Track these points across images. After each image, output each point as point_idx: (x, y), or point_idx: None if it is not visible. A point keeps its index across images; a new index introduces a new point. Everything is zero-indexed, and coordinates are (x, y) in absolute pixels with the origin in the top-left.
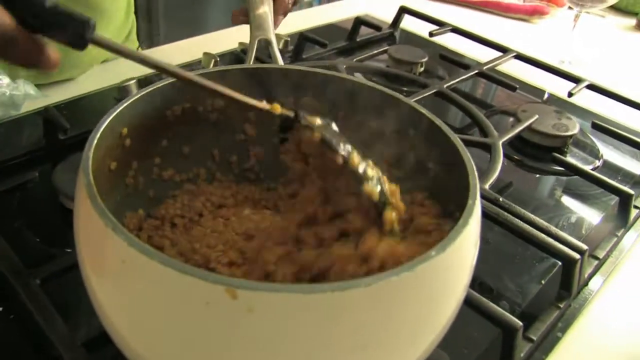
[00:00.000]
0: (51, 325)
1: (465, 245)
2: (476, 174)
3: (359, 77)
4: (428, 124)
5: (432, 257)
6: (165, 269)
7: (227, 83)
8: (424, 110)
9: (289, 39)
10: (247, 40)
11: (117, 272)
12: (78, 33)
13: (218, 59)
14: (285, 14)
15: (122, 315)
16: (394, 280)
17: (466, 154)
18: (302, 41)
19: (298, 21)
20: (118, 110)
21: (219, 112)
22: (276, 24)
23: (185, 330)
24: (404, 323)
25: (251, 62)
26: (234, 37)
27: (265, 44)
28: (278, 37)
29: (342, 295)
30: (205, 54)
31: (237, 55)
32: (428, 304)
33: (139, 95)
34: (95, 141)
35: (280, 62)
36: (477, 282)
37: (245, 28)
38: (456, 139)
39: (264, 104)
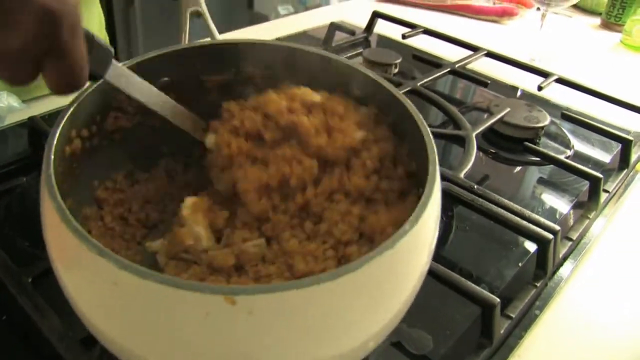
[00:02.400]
0: (47, 322)
1: (433, 213)
2: (432, 139)
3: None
4: (373, 84)
5: (406, 231)
6: (160, 287)
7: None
8: (361, 69)
9: None
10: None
11: (109, 295)
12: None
13: None
14: None
15: (121, 339)
16: (378, 260)
17: (417, 114)
18: None
19: (273, 31)
20: (67, 116)
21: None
22: None
23: (189, 342)
24: (388, 291)
25: (186, 36)
26: None
27: (198, 16)
28: None
29: (335, 283)
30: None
31: None
32: (407, 269)
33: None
34: (52, 156)
35: (216, 34)
36: (457, 268)
37: None
38: (403, 97)
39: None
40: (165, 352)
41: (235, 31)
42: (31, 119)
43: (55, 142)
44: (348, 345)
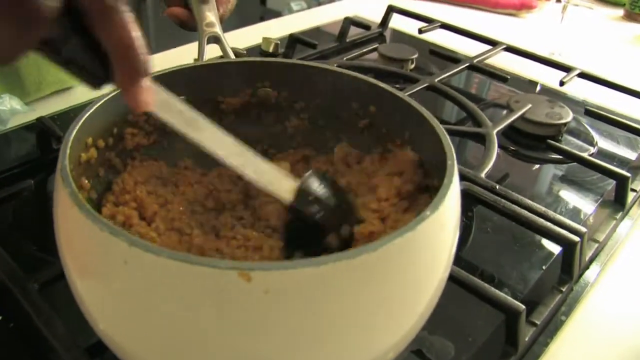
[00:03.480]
0: (52, 329)
1: (453, 203)
2: (447, 137)
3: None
4: (387, 96)
5: (428, 216)
6: (173, 263)
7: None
8: (377, 82)
9: (278, 42)
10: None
11: (119, 275)
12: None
13: (279, 42)
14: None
15: (129, 322)
16: (398, 242)
17: (433, 119)
18: (292, 43)
19: (288, 25)
20: (84, 118)
21: None
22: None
23: (203, 324)
24: (410, 281)
25: (204, 59)
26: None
27: (215, 41)
28: (267, 40)
29: (350, 263)
30: (264, 38)
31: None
32: (428, 262)
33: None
34: (69, 150)
35: (232, 55)
36: (478, 271)
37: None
38: (420, 107)
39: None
40: (175, 335)
41: (248, 27)
42: (40, 119)
43: (73, 135)
44: (369, 341)
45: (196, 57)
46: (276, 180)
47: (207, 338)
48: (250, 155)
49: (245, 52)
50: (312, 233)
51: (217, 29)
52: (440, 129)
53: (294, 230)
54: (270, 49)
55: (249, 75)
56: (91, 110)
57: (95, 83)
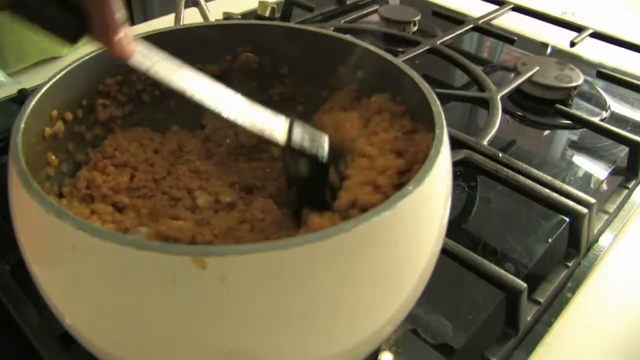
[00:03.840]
0: (23, 314)
1: (441, 176)
2: (436, 98)
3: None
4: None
5: (410, 191)
6: (120, 248)
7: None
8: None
9: (275, 6)
10: None
11: (69, 261)
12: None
13: (275, 6)
14: None
15: (81, 310)
16: (375, 221)
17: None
18: (288, 7)
19: None
20: (44, 89)
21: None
22: None
23: (159, 315)
24: (393, 260)
25: (182, 22)
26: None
27: (193, 4)
28: (264, 4)
29: (321, 245)
30: (260, 2)
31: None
32: (412, 239)
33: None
34: (23, 125)
35: (211, 19)
36: (480, 244)
37: None
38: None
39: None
40: (129, 325)
41: None
42: (21, 91)
43: (30, 108)
44: (342, 331)
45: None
46: (269, 124)
47: (165, 329)
48: (241, 101)
49: (274, 4)
50: (314, 173)
51: None
52: (428, 91)
53: (295, 180)
54: (267, 13)
55: (229, 41)
56: (53, 80)
57: (71, 36)
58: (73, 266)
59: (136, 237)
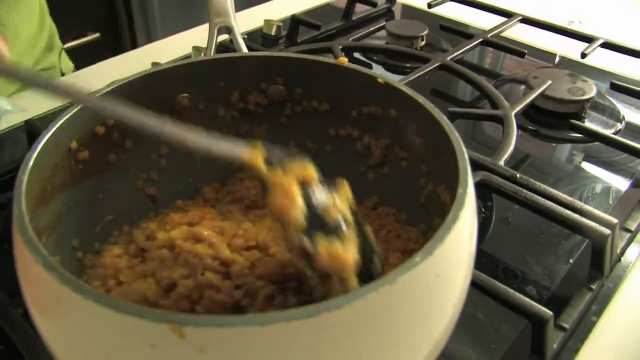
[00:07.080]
0: (34, 357)
1: (458, 243)
2: (466, 155)
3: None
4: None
5: (416, 264)
6: (101, 308)
7: (192, 76)
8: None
9: (281, 24)
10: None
11: (55, 312)
12: None
13: (281, 24)
14: None
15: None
16: (373, 296)
17: (453, 132)
18: (294, 25)
19: (290, 5)
20: (61, 122)
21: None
22: None
23: None
24: (389, 343)
25: (212, 53)
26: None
27: (227, 32)
28: (269, 23)
29: (309, 323)
30: (266, 21)
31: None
32: (419, 316)
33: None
34: (32, 161)
35: (244, 49)
36: (500, 268)
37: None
38: (440, 115)
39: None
40: None
41: (247, 9)
42: (28, 122)
43: (35, 154)
44: None
45: (196, 44)
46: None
47: None
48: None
49: (280, 23)
50: None
51: (231, 20)
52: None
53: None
54: (273, 32)
55: (261, 72)
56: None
57: None
58: (59, 319)
59: (117, 299)
